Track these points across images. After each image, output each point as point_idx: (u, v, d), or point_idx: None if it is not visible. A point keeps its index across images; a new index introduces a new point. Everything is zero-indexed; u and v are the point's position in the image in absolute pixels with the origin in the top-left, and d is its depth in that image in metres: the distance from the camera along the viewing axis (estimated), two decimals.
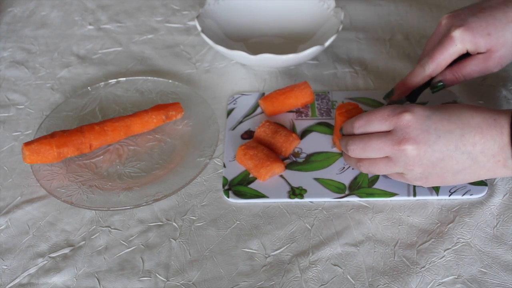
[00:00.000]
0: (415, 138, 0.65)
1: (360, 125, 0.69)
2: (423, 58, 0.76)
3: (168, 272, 0.66)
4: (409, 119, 0.65)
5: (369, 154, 0.68)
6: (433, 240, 0.68)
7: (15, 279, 0.66)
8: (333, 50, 0.93)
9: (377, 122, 0.68)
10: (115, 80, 0.88)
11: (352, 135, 0.70)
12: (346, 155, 0.73)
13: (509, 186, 0.73)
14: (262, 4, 0.97)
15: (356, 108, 0.75)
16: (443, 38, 0.74)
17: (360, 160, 0.70)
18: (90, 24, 1.02)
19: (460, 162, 0.65)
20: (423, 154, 0.65)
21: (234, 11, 0.95)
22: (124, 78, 0.88)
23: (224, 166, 0.76)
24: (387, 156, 0.67)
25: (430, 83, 0.77)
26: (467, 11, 0.74)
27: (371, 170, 0.69)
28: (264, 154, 0.74)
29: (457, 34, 0.73)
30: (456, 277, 0.64)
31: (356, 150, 0.69)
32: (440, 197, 0.71)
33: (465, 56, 0.75)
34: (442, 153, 0.65)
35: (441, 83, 0.76)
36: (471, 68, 0.75)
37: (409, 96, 0.79)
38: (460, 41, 0.73)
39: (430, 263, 0.66)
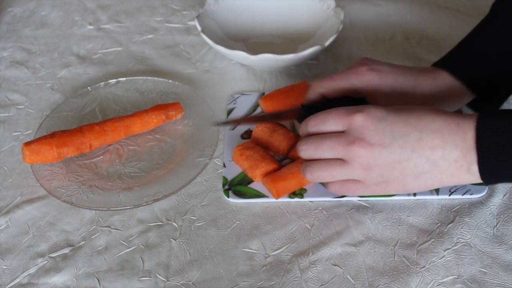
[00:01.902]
0: (368, 139, 0.63)
1: (315, 124, 0.67)
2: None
3: (168, 272, 0.66)
4: (362, 120, 0.63)
5: (322, 153, 0.65)
6: (433, 240, 0.68)
7: (15, 279, 0.66)
8: (333, 50, 0.93)
9: (332, 121, 0.65)
10: (115, 80, 0.88)
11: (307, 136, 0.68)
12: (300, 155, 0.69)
13: (509, 186, 0.73)
14: (262, 4, 0.97)
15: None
16: (351, 66, 0.73)
17: (310, 163, 0.67)
18: (90, 24, 1.02)
19: (419, 165, 0.63)
20: (378, 155, 0.63)
21: (234, 11, 0.95)
22: (124, 78, 0.88)
23: (224, 166, 0.76)
24: (342, 159, 0.65)
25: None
26: (383, 62, 0.73)
27: (323, 174, 0.66)
28: (260, 155, 0.74)
29: (363, 70, 0.71)
30: (456, 277, 0.64)
31: (308, 149, 0.66)
32: (440, 197, 0.71)
33: None
34: (399, 155, 0.63)
35: None
36: None
37: (301, 113, 0.74)
38: (364, 78, 0.71)
39: (430, 263, 0.66)
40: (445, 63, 0.75)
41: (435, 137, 0.62)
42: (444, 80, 0.73)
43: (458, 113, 0.64)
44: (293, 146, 0.77)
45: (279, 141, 0.76)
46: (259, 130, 0.78)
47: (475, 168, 0.62)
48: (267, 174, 0.73)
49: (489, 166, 0.61)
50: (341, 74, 0.73)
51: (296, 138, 0.77)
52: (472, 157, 0.61)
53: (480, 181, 0.63)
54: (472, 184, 0.72)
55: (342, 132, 0.65)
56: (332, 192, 0.68)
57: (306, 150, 0.67)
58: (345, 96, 0.72)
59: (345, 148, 0.64)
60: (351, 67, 0.73)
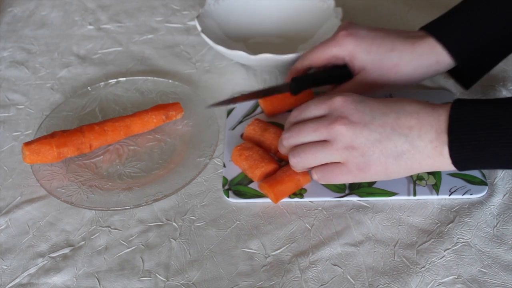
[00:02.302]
0: (350, 117, 0.65)
1: (297, 114, 0.69)
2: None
3: (168, 272, 0.66)
4: (342, 100, 0.66)
5: (305, 137, 0.67)
6: (433, 240, 0.68)
7: (15, 279, 0.66)
8: None
9: (313, 107, 0.68)
10: (115, 80, 0.88)
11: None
12: (281, 149, 0.72)
13: (509, 186, 0.73)
14: (262, 4, 0.97)
15: None
16: (330, 37, 0.77)
17: (294, 148, 0.68)
18: (90, 24, 1.02)
19: (398, 145, 0.64)
20: (359, 132, 0.64)
21: (234, 11, 0.95)
22: (124, 78, 0.88)
23: (224, 166, 0.76)
24: (324, 140, 0.66)
25: (317, 83, 0.79)
26: (365, 26, 0.77)
27: (306, 157, 0.67)
28: (259, 155, 0.74)
29: (341, 36, 0.75)
30: (456, 277, 0.64)
31: (290, 137, 0.68)
32: (440, 197, 0.71)
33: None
34: (379, 133, 0.64)
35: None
36: (348, 87, 0.76)
37: (292, 86, 0.78)
38: (341, 44, 0.75)
39: (430, 263, 0.66)
40: (431, 27, 0.76)
41: (411, 118, 0.64)
42: (425, 44, 0.74)
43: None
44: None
45: (271, 140, 0.76)
46: (251, 130, 0.78)
47: (446, 150, 0.63)
48: (267, 174, 0.73)
49: (460, 150, 0.62)
50: (322, 44, 0.77)
51: None
52: (444, 139, 0.63)
53: (453, 166, 0.64)
54: (472, 184, 0.72)
55: (323, 116, 0.67)
56: (317, 181, 0.69)
57: (288, 138, 0.69)
58: (328, 65, 0.78)
59: (328, 128, 0.65)
60: (334, 34, 0.77)
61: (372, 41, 0.75)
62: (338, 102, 0.66)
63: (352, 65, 0.76)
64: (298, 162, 0.68)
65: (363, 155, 0.65)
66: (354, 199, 0.72)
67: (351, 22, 0.77)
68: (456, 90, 0.85)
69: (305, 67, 0.79)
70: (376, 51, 0.74)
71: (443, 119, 0.63)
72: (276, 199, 0.71)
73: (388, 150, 0.65)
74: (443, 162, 0.64)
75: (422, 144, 0.64)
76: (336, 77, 0.78)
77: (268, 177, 0.72)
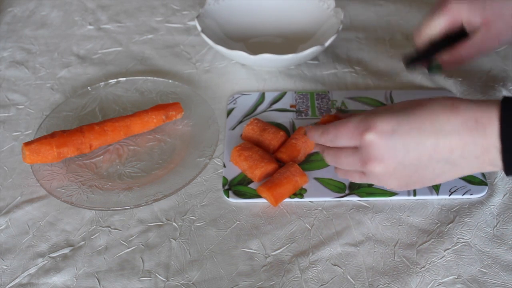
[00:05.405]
0: (381, 157, 0.61)
1: (328, 139, 0.66)
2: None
3: (168, 272, 0.66)
4: (372, 139, 0.61)
5: (341, 166, 0.66)
6: (433, 240, 0.68)
7: (15, 279, 0.66)
8: (333, 50, 0.93)
9: (343, 138, 0.64)
10: (115, 80, 0.88)
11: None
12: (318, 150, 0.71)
13: (509, 186, 0.73)
14: (262, 4, 0.97)
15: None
16: (439, 5, 0.74)
17: (336, 168, 0.68)
18: (90, 24, 1.02)
19: (437, 169, 0.61)
20: (392, 171, 0.62)
21: (234, 11, 0.95)
22: (124, 78, 0.88)
23: (224, 166, 0.76)
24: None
25: (433, 52, 0.76)
26: None
27: (347, 177, 0.67)
28: (259, 155, 0.74)
29: (452, 3, 0.72)
30: (456, 277, 0.64)
31: (330, 161, 0.67)
32: (440, 197, 0.71)
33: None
34: (415, 166, 0.61)
35: (438, 64, 0.74)
36: (469, 47, 0.73)
37: (424, 56, 0.77)
38: (454, 10, 0.72)
39: (430, 263, 0.66)
40: None
41: (452, 139, 0.59)
42: None
43: (477, 100, 0.61)
44: (282, 144, 0.77)
45: (269, 140, 0.76)
46: (249, 129, 0.78)
47: (498, 163, 0.59)
48: (267, 174, 0.73)
49: None
50: (435, 16, 0.74)
51: (286, 137, 0.78)
52: (495, 152, 0.58)
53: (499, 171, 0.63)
54: (472, 184, 0.72)
55: (355, 148, 0.64)
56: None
57: (329, 162, 0.67)
58: (446, 36, 0.75)
59: (361, 167, 0.63)
60: (440, 4, 0.74)
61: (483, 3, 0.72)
62: (367, 141, 0.61)
63: (470, 25, 0.72)
64: (341, 176, 0.68)
65: (400, 184, 0.63)
66: (354, 199, 0.72)
67: None
68: (456, 90, 0.85)
69: (425, 42, 0.75)
70: (490, 2, 0.71)
71: (490, 132, 0.58)
72: (276, 202, 0.71)
73: (425, 176, 0.62)
74: (492, 169, 0.60)
75: (466, 161, 0.60)
76: (451, 39, 0.75)
77: (265, 181, 0.72)
